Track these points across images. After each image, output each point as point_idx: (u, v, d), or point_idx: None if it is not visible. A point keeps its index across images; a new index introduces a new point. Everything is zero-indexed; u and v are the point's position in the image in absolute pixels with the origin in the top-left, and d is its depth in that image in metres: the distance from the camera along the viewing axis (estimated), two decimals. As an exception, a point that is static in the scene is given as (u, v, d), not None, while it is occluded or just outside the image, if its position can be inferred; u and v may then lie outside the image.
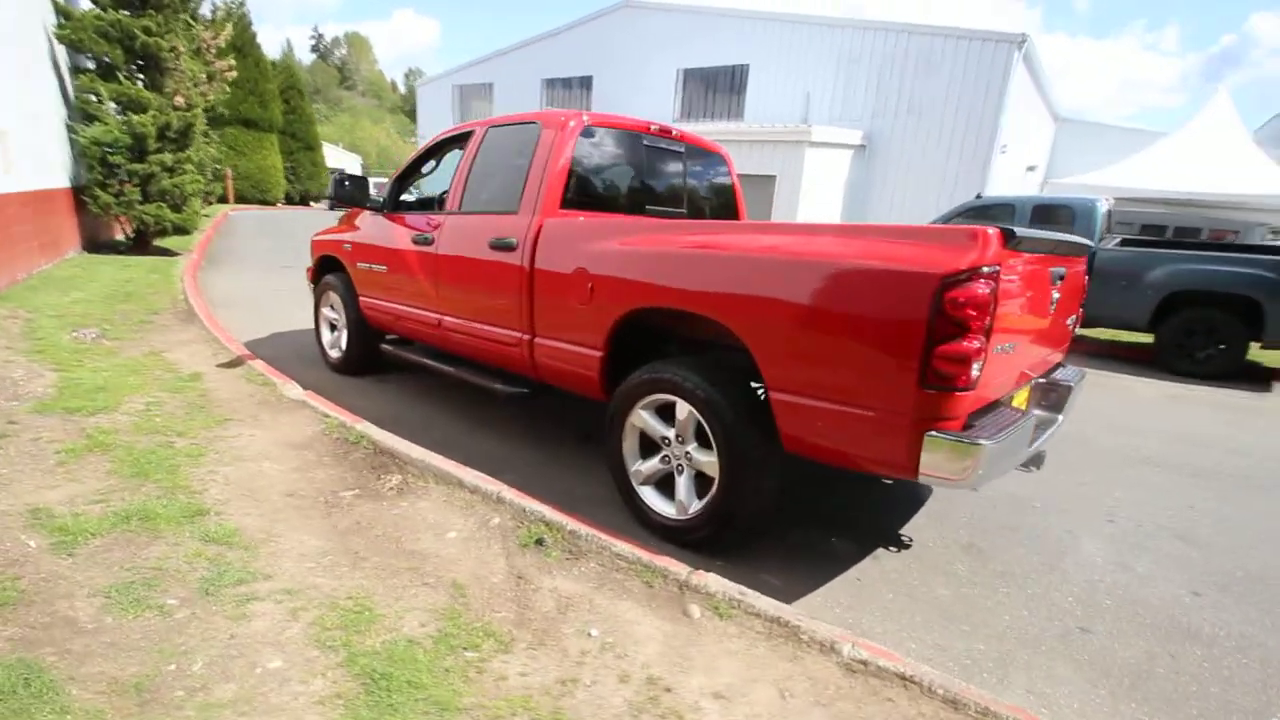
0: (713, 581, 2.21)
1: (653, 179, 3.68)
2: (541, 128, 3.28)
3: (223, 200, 19.49)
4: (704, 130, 17.31)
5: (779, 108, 17.67)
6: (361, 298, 4.45)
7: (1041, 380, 2.76)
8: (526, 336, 3.21)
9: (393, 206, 4.27)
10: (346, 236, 4.56)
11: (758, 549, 2.68)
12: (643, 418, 2.72)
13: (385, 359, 4.62)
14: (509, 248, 3.20)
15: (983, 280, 1.83)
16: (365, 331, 4.61)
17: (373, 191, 4.50)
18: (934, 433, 1.92)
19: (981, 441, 1.89)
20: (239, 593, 2.06)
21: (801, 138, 14.07)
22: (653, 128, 3.61)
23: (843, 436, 2.13)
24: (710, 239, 2.43)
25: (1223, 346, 6.06)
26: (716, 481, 2.47)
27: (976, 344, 1.85)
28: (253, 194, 23.22)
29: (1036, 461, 2.71)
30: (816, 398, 2.15)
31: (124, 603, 1.94)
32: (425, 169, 4.33)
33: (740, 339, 2.31)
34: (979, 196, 7.98)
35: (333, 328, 5.00)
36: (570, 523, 2.56)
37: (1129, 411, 5.27)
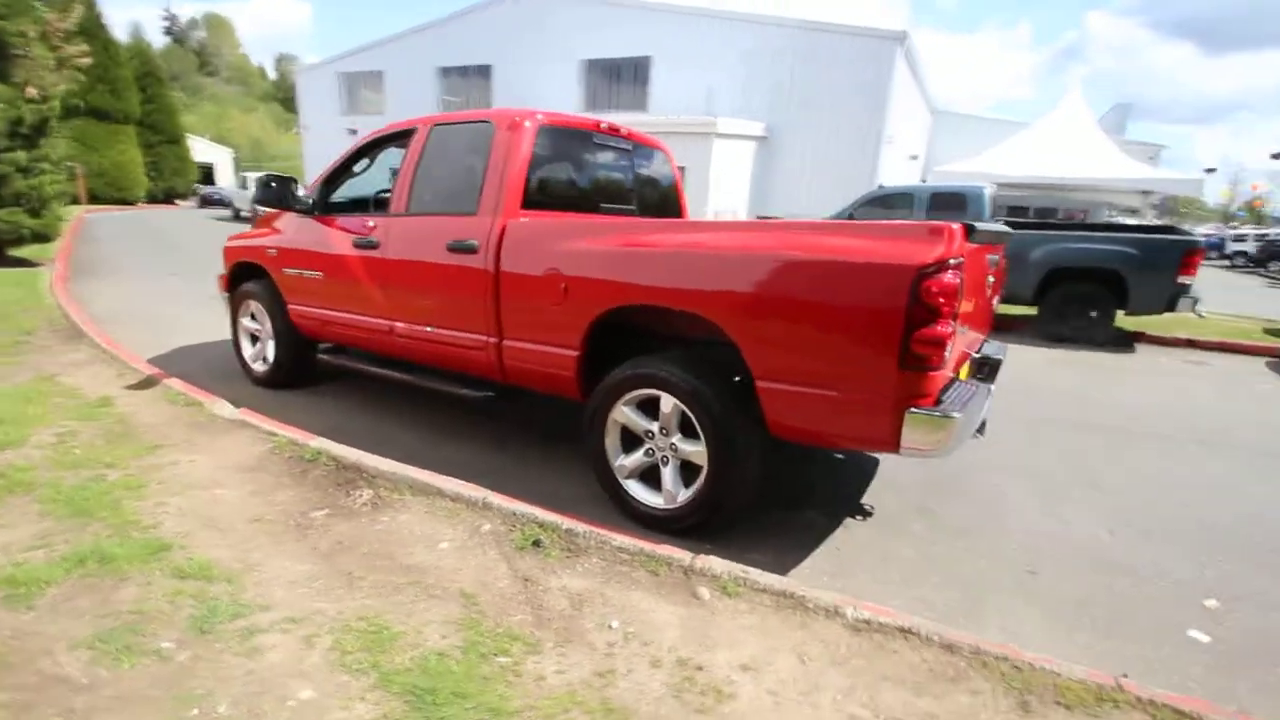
0: (716, 564, 2.33)
1: (604, 177, 3.72)
2: (495, 127, 3.24)
3: (75, 201, 17.40)
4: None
5: (682, 100, 18.01)
6: (291, 306, 4.20)
7: (977, 355, 3.08)
8: (493, 340, 3.18)
9: (323, 209, 4.05)
10: (270, 241, 4.27)
11: (739, 531, 2.82)
12: (625, 413, 2.79)
13: (320, 369, 4.40)
14: (470, 250, 3.15)
15: (951, 270, 2.05)
16: (296, 341, 4.36)
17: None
18: (914, 410, 2.12)
19: (954, 414, 2.12)
20: (239, 627, 1.95)
21: (708, 129, 14.46)
22: (602, 125, 3.65)
23: (829, 419, 2.31)
24: (694, 238, 2.53)
25: (1095, 315, 6.91)
26: (705, 470, 2.59)
27: (949, 328, 2.06)
28: (109, 193, 20.94)
29: (981, 429, 3.02)
30: (803, 385, 2.30)
31: (113, 652, 1.79)
32: (357, 168, 4.13)
33: (726, 333, 2.42)
34: (881, 187, 8.60)
35: (254, 339, 4.68)
36: (565, 522, 2.60)
37: (1022, 375, 5.91)
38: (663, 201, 4.15)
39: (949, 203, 7.79)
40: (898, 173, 17.77)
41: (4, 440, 3.20)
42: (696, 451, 2.61)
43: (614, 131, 3.75)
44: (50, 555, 2.27)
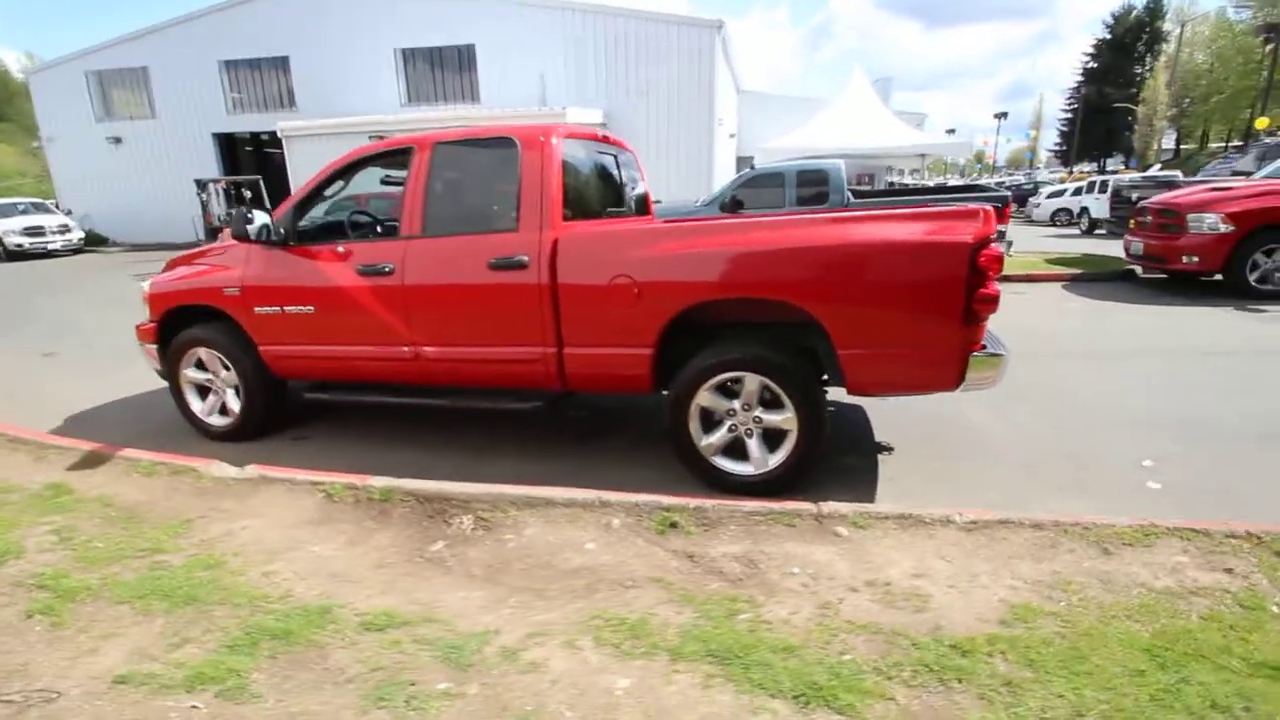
0: (840, 506, 2.78)
1: (605, 182, 3.91)
2: (521, 144, 3.30)
3: None
4: (441, 115, 16.70)
5: (515, 89, 17.82)
6: (265, 348, 3.85)
7: None
8: (550, 350, 3.29)
9: (298, 239, 3.76)
10: (225, 278, 3.86)
11: (810, 482, 3.29)
12: (707, 397, 3.11)
13: (297, 408, 4.10)
14: (519, 266, 3.21)
15: (994, 242, 2.65)
16: (270, 386, 4.01)
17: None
18: (975, 353, 2.72)
19: (1002, 352, 2.76)
20: (494, 653, 2.01)
21: (556, 119, 14.54)
22: (599, 134, 3.83)
23: (903, 372, 2.84)
24: (779, 234, 2.87)
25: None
26: (796, 434, 3.00)
27: (997, 288, 2.67)
28: None
29: None
30: (881, 347, 2.81)
31: (403, 705, 1.79)
32: (329, 193, 3.87)
33: (811, 314, 2.84)
34: (752, 168, 9.48)
35: (205, 392, 4.19)
36: (691, 501, 2.88)
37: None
38: (641, 199, 4.43)
39: (813, 179, 8.86)
40: (722, 151, 19.24)
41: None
42: (784, 419, 3.01)
43: (606, 140, 3.95)
44: (206, 648, 2.09)
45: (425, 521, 2.96)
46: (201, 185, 13.73)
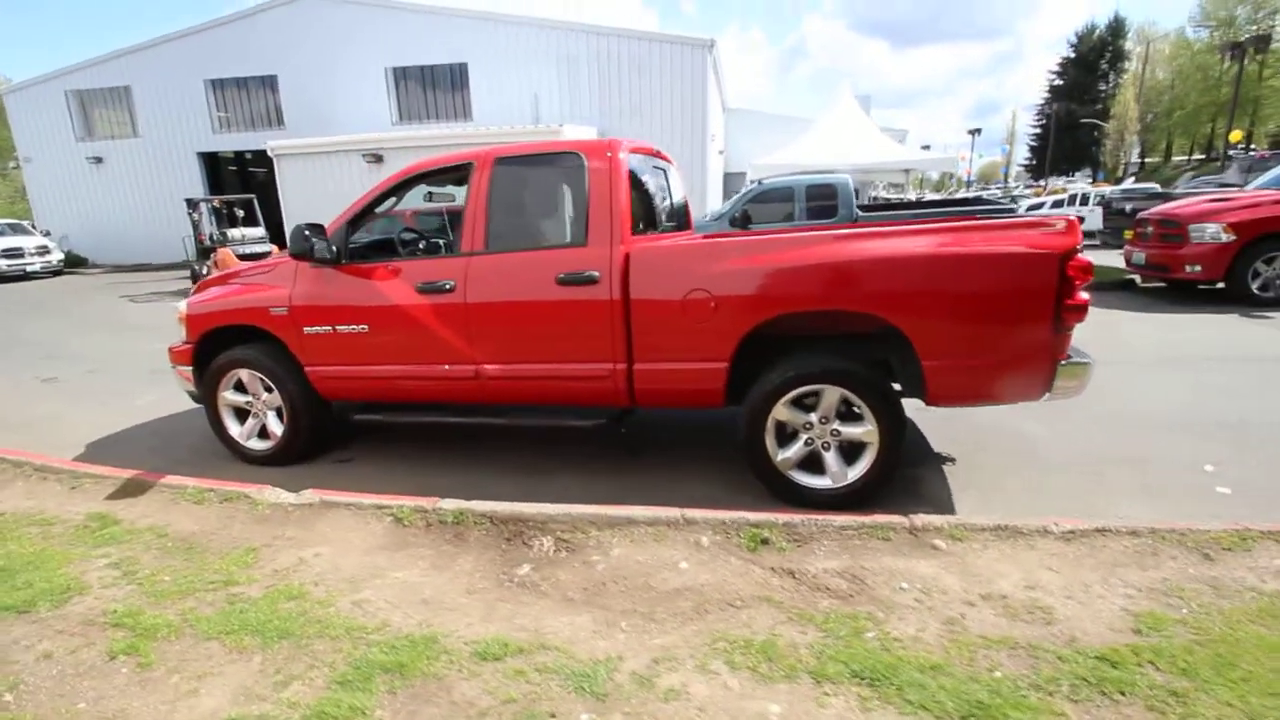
0: (932, 519, 2.75)
1: (659, 196, 3.90)
2: (586, 158, 3.27)
3: None
4: (434, 133, 16.66)
5: (508, 108, 17.86)
6: (314, 369, 3.74)
7: None
8: (620, 366, 3.24)
9: (350, 256, 3.67)
10: (271, 297, 3.75)
11: (883, 494, 3.26)
12: (785, 411, 3.07)
13: (351, 428, 3.98)
14: (589, 281, 3.17)
15: (1081, 252, 2.67)
16: (316, 408, 3.89)
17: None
18: (1063, 361, 2.73)
19: (1089, 360, 2.77)
20: (625, 679, 1.93)
21: (554, 136, 14.58)
22: (652, 148, 3.82)
23: (986, 382, 2.84)
24: (864, 246, 2.86)
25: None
26: (877, 447, 2.98)
27: (1085, 296, 2.69)
28: None
29: None
30: (968, 357, 2.80)
31: (555, 738, 1.71)
32: (380, 210, 3.79)
33: (896, 325, 2.83)
34: (760, 183, 9.57)
35: (243, 415, 4.06)
36: (780, 517, 2.83)
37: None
38: (684, 211, 4.42)
39: (821, 194, 8.96)
40: (713, 167, 19.44)
41: (52, 589, 2.54)
42: (865, 432, 2.99)
43: (657, 155, 3.94)
44: (316, 685, 1.98)
45: (504, 544, 2.87)
46: (192, 204, 13.46)
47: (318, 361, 3.72)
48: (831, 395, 2.99)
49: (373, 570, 2.67)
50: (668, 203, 4.07)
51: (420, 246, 3.91)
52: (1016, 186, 48.38)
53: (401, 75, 18.63)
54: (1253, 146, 25.64)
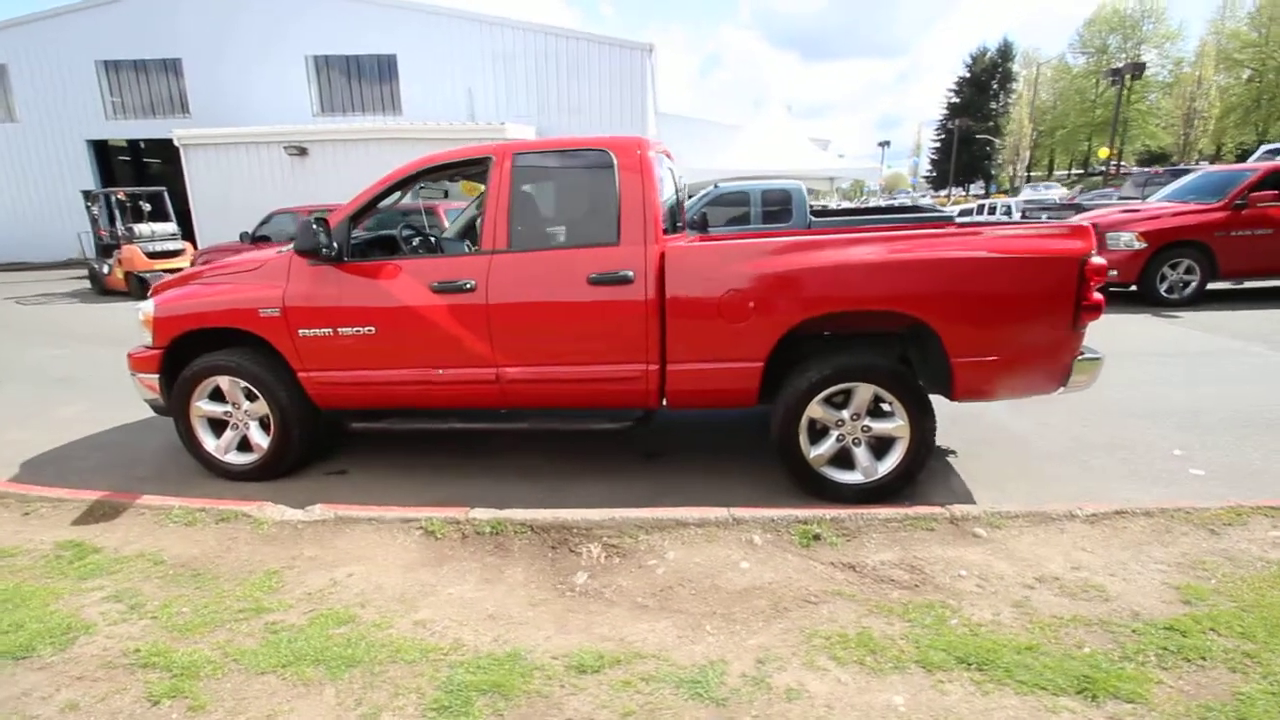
0: (972, 509, 2.88)
1: (669, 193, 3.88)
2: (616, 155, 3.21)
3: None
4: (366, 125, 15.88)
5: (440, 103, 17.26)
6: (309, 374, 3.47)
7: None
8: (652, 367, 3.20)
9: (352, 254, 3.43)
10: (258, 297, 3.44)
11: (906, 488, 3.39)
12: (818, 409, 3.14)
13: (334, 439, 3.73)
14: (623, 281, 3.11)
15: (1097, 255, 2.88)
16: (308, 417, 3.61)
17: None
18: (1079, 357, 2.94)
19: (1100, 356, 3.00)
20: (737, 683, 1.90)
21: (496, 135, 14.23)
22: (662, 147, 3.80)
23: (1013, 377, 3.01)
24: (898, 248, 2.95)
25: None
26: (909, 441, 3.09)
27: (1100, 295, 2.90)
28: None
29: None
30: (994, 354, 2.96)
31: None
32: (383, 205, 3.56)
33: (928, 323, 2.94)
34: (716, 186, 9.69)
35: (219, 427, 3.71)
36: (827, 512, 2.88)
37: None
38: (679, 206, 4.42)
39: (776, 199, 9.20)
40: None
41: (49, 629, 2.23)
42: (896, 428, 3.10)
43: (665, 153, 3.93)
44: (408, 714, 1.84)
45: (550, 553, 2.77)
46: (91, 197, 12.13)
47: (315, 367, 3.45)
48: (864, 392, 3.08)
49: (422, 587, 2.50)
50: (676, 199, 4.06)
51: (431, 244, 3.69)
52: (923, 196, 51.69)
53: (324, 64, 17.63)
54: (1121, 162, 28.61)
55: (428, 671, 2.00)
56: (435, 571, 2.63)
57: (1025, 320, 2.93)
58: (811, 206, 21.40)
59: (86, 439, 4.51)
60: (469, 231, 4.80)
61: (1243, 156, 29.29)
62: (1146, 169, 19.55)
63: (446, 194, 4.30)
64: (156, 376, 3.67)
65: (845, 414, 3.13)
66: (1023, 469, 3.61)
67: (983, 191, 52.19)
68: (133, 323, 3.94)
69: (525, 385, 3.32)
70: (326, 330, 3.39)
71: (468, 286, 3.23)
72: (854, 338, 3.27)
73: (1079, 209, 11.17)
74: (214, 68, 17.42)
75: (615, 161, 3.21)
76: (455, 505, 3.17)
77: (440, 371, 3.36)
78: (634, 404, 3.34)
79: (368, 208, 3.45)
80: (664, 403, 3.31)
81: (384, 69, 17.44)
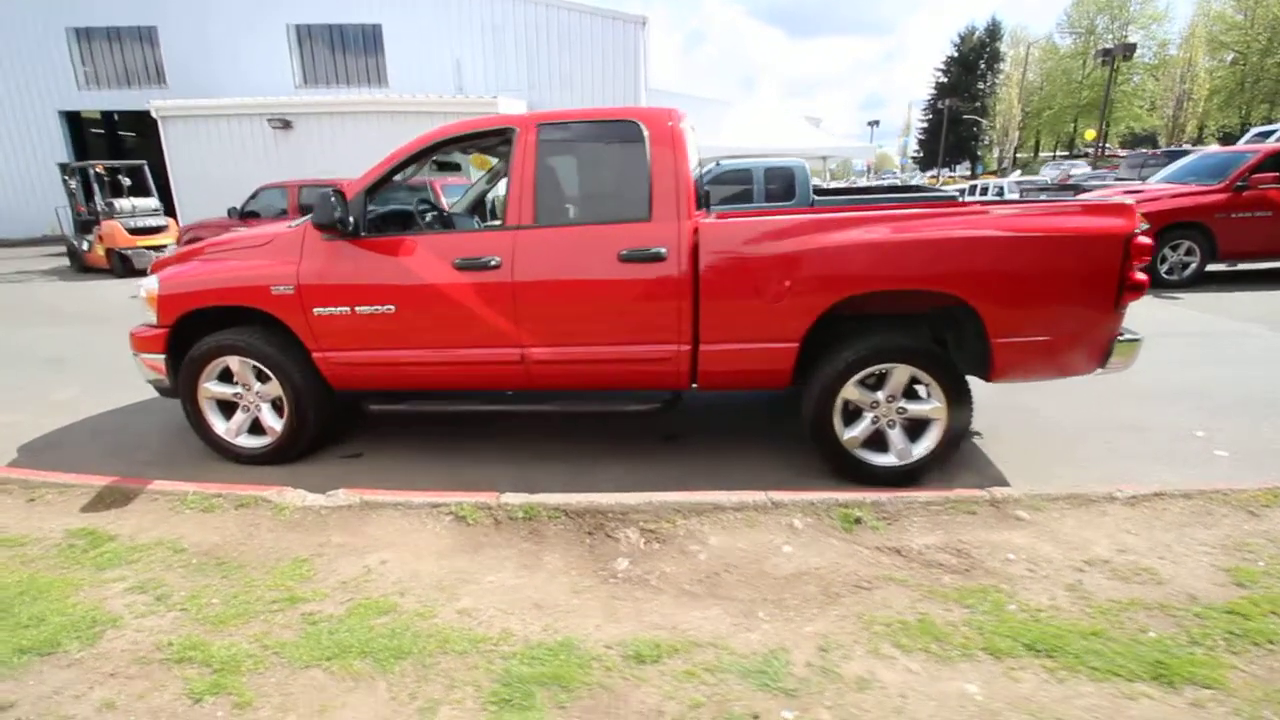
0: (1012, 492, 2.86)
1: (697, 167, 3.77)
2: (646, 127, 3.09)
3: None
4: (352, 98, 15.43)
5: (427, 75, 16.80)
6: (324, 355, 3.35)
7: None
8: (684, 348, 3.12)
9: (369, 228, 3.29)
10: (270, 274, 3.30)
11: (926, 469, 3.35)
12: (854, 390, 3.08)
13: (347, 422, 3.62)
14: (655, 258, 3.01)
15: (1142, 234, 2.83)
16: (323, 398, 3.49)
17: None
18: (1121, 338, 2.91)
19: (1140, 337, 2.96)
20: (805, 672, 1.86)
21: (489, 109, 13.89)
22: (689, 121, 3.68)
23: (1053, 357, 2.97)
24: (938, 225, 2.87)
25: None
26: (944, 424, 3.05)
27: (1143, 275, 2.86)
28: None
29: None
30: (1036, 334, 2.91)
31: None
32: (399, 178, 3.41)
33: (969, 303, 2.88)
34: (718, 164, 9.55)
35: (230, 408, 3.58)
36: (867, 496, 2.84)
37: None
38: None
39: (779, 177, 9.09)
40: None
41: (73, 623, 2.12)
42: (933, 409, 3.05)
43: (692, 127, 3.80)
44: (469, 709, 1.77)
45: (586, 538, 2.70)
46: (69, 171, 11.67)
47: (330, 347, 3.33)
48: (901, 374, 3.03)
49: (460, 575, 2.42)
50: (699, 175, 3.95)
51: (443, 218, 3.56)
52: (912, 177, 51.70)
53: (306, 34, 17.04)
54: (1105, 144, 28.82)
55: (481, 663, 1.93)
56: (471, 558, 2.55)
57: (1068, 300, 2.88)
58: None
59: (83, 422, 4.34)
60: (478, 206, 4.66)
61: (1225, 139, 29.60)
62: (1143, 150, 19.66)
63: (459, 168, 4.14)
64: (162, 357, 3.52)
65: (880, 395, 3.08)
66: (1050, 450, 3.60)
67: (969, 172, 52.37)
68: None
69: (551, 366, 3.23)
70: (343, 308, 3.25)
71: (492, 264, 3.11)
72: (884, 318, 3.21)
73: (1077, 190, 11.18)
74: (191, 36, 16.76)
75: (646, 134, 3.09)
76: (478, 489, 3.09)
77: (462, 351, 3.25)
78: (664, 385, 3.26)
79: (384, 180, 3.29)
80: (693, 385, 3.24)
81: (369, 39, 16.91)
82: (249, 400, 3.52)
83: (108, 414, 4.49)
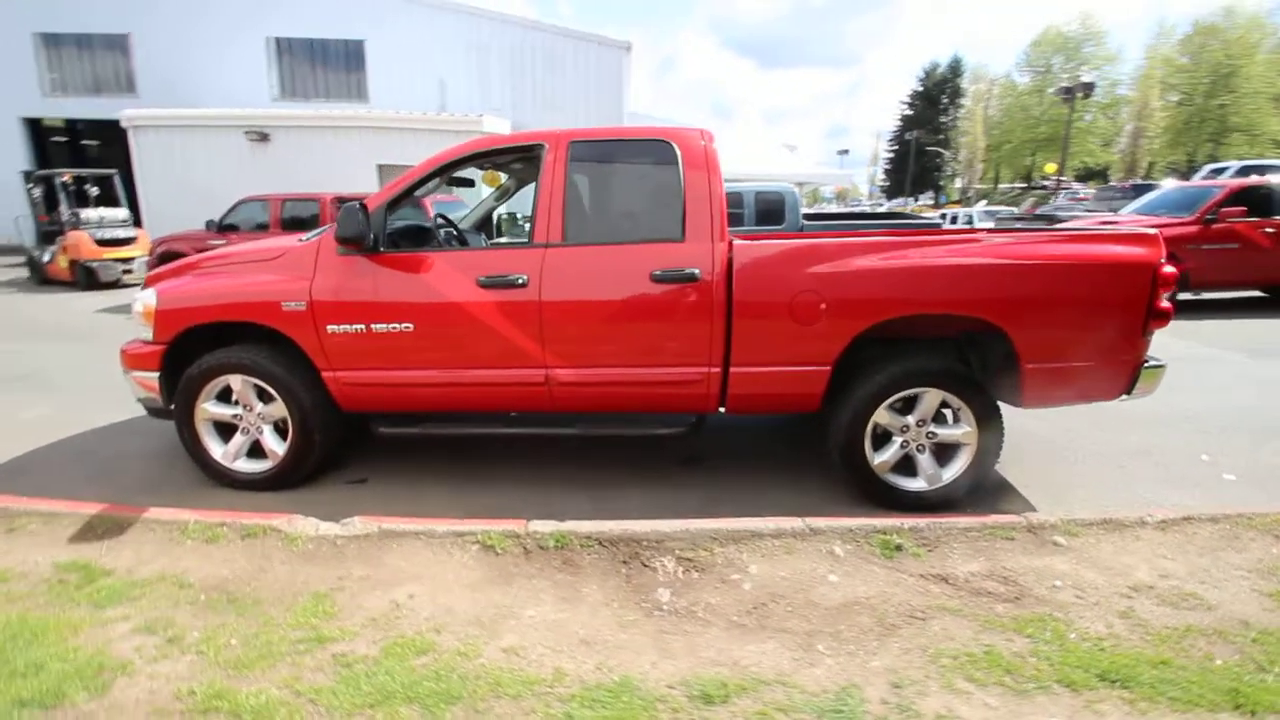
0: (1048, 517, 2.85)
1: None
2: (678, 146, 3.06)
3: None
4: (334, 112, 15.22)
5: (410, 93, 16.68)
6: (337, 374, 3.19)
7: None
8: (715, 370, 3.06)
9: (389, 244, 3.17)
10: (281, 289, 3.14)
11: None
12: (885, 414, 3.05)
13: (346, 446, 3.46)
14: (689, 279, 2.96)
15: (1167, 263, 2.89)
16: (332, 420, 3.33)
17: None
18: (1147, 364, 2.95)
19: (1164, 364, 3.01)
20: (883, 708, 1.78)
21: (473, 128, 13.79)
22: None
23: (1081, 383, 2.99)
24: (976, 251, 2.89)
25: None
26: (974, 448, 3.04)
27: (1169, 304, 2.91)
28: None
29: None
30: (1064, 360, 2.94)
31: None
32: (419, 193, 3.31)
33: (1002, 328, 2.89)
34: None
35: (228, 430, 3.39)
36: (904, 522, 2.80)
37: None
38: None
39: (771, 201, 9.18)
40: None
41: (77, 670, 1.93)
42: (964, 434, 3.04)
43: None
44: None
45: (622, 568, 2.60)
46: (33, 179, 11.18)
47: (343, 366, 3.18)
48: (933, 398, 3.02)
49: (496, 610, 2.29)
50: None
51: (457, 236, 3.46)
52: (880, 204, 53.09)
53: (286, 47, 16.80)
54: (1062, 177, 30.08)
55: (539, 707, 1.81)
56: (505, 591, 2.42)
57: (1099, 326, 2.91)
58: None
59: (58, 444, 4.07)
60: (485, 224, 4.57)
61: (1181, 176, 31.12)
62: (1114, 184, 20.57)
63: (473, 184, 4.07)
64: (156, 375, 3.32)
65: (910, 419, 3.06)
66: (1067, 473, 3.62)
67: (933, 202, 53.98)
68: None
69: (575, 388, 3.13)
70: (359, 326, 3.11)
71: (519, 282, 3.02)
72: (911, 343, 3.20)
73: (1053, 220, 11.58)
74: (166, 45, 16.35)
75: (679, 153, 3.05)
76: (497, 516, 2.97)
77: (483, 372, 3.14)
78: (691, 409, 3.19)
79: (406, 194, 3.19)
80: (720, 409, 3.17)
81: (351, 55, 16.75)
82: (250, 422, 3.34)
83: (82, 435, 4.22)
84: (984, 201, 32.61)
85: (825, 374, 3.02)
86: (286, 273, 3.18)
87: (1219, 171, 14.80)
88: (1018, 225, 11.43)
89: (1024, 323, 2.89)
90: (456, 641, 2.11)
